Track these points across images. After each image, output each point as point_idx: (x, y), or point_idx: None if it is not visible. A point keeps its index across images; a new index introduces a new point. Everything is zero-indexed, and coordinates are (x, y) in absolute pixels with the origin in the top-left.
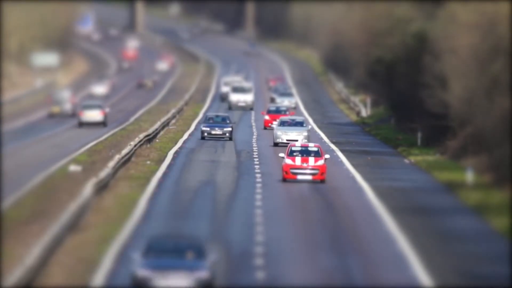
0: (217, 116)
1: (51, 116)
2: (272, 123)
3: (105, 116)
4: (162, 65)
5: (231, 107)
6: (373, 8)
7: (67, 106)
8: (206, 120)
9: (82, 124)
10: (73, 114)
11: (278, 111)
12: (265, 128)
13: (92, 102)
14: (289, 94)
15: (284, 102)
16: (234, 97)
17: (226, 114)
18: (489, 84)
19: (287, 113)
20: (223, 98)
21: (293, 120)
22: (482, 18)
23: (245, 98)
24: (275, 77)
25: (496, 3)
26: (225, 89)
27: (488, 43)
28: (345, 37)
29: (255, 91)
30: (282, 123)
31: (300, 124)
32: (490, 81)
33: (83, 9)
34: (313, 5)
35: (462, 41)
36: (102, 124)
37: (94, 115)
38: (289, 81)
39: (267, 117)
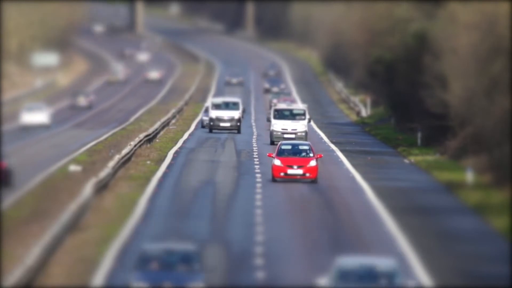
0: (169, 253)
1: (109, 83)
2: (286, 172)
3: (161, 76)
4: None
5: (273, 140)
6: (373, 8)
7: (121, 76)
8: (142, 262)
9: (147, 81)
10: (126, 82)
11: (296, 152)
12: (274, 180)
13: (153, 66)
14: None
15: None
16: (279, 125)
17: (191, 247)
18: (489, 84)
19: (312, 155)
20: (210, 126)
21: (370, 269)
22: (482, 18)
23: (295, 127)
24: (281, 99)
25: (496, 3)
26: (214, 113)
27: (488, 43)
28: (345, 37)
29: (255, 108)
30: (343, 277)
31: (387, 277)
32: (490, 81)
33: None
34: (313, 5)
35: (462, 41)
36: (160, 81)
37: (154, 74)
38: (289, 81)
39: (277, 162)
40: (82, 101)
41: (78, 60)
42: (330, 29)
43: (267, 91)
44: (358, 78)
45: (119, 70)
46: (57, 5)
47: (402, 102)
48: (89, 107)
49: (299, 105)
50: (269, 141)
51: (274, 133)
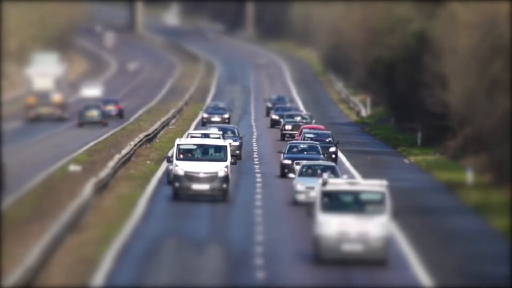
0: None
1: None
2: None
3: None
4: None
5: (324, 257)
6: (373, 7)
7: (110, 43)
8: None
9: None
10: (114, 50)
11: None
12: None
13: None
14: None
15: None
16: (333, 226)
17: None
18: (489, 84)
19: None
20: (176, 190)
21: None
22: (482, 17)
23: (365, 228)
24: (304, 127)
25: (496, 2)
26: (182, 166)
27: (488, 43)
28: (345, 37)
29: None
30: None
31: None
32: (490, 81)
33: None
34: (313, 5)
35: (462, 41)
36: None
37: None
38: (289, 81)
39: None
40: (130, 66)
41: (78, 60)
42: (330, 29)
43: (275, 123)
44: (358, 78)
45: (109, 37)
46: (57, 5)
47: (402, 102)
48: (136, 72)
49: (372, 185)
50: (271, 141)
51: (323, 242)
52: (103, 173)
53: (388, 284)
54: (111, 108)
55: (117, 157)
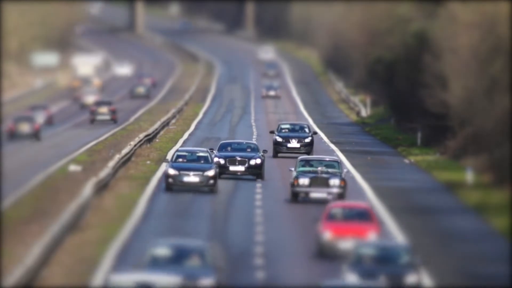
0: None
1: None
2: None
3: None
4: None
5: None
6: (373, 8)
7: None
8: None
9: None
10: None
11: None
12: None
13: None
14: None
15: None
16: None
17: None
18: (489, 84)
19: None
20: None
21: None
22: (482, 18)
23: None
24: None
25: (496, 3)
26: None
27: (488, 43)
28: (345, 37)
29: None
30: None
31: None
32: (490, 81)
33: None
34: (313, 5)
35: (462, 41)
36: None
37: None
38: (289, 81)
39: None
40: (78, 32)
41: None
42: (330, 29)
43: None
44: (358, 78)
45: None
46: (57, 5)
47: (402, 102)
48: (83, 34)
49: None
50: (270, 143)
51: None
52: (103, 173)
53: None
54: (147, 81)
55: (117, 157)
